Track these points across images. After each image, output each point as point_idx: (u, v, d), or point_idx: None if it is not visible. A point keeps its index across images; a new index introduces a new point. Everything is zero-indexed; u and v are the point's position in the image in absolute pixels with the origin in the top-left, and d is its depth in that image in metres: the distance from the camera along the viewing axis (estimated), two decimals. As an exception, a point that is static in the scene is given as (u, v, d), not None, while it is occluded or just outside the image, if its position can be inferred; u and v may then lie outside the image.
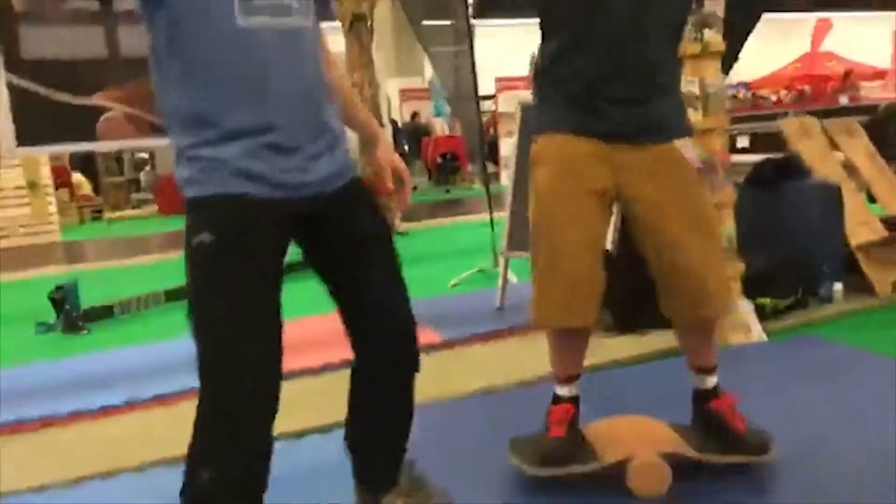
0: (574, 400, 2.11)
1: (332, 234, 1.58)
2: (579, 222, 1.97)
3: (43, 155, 8.37)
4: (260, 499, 1.47)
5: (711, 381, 2.09)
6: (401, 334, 1.65)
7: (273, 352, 1.45)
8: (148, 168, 13.80)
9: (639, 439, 2.05)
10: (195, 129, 1.43)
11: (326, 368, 3.09)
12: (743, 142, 6.14)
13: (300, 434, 2.53)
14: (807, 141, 4.09)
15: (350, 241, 1.59)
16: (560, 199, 1.98)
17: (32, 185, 8.80)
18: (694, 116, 3.04)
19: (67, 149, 6.29)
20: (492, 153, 11.91)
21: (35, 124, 3.32)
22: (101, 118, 3.45)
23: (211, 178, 1.43)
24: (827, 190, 3.70)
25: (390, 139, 4.90)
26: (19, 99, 3.27)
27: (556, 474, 2.01)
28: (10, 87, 3.25)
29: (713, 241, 2.04)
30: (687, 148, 2.01)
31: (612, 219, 3.49)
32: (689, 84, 3.11)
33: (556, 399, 2.11)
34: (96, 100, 3.42)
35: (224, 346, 1.41)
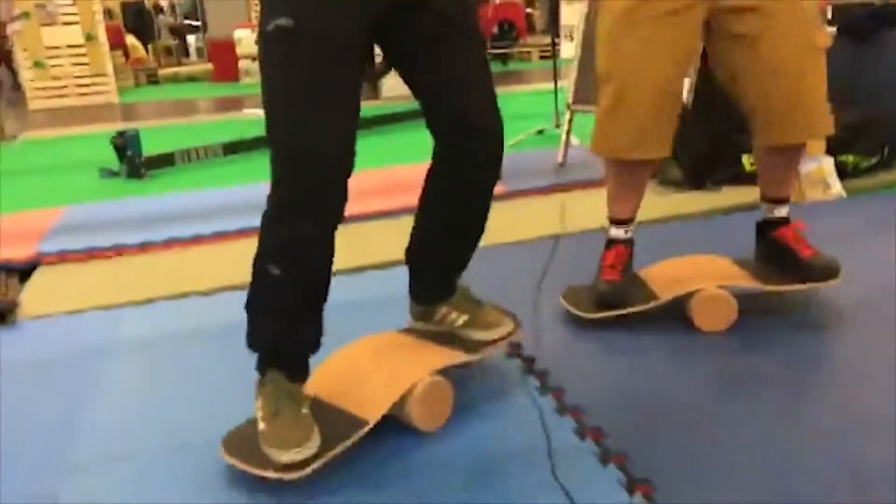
0: (628, 243, 2.06)
1: (416, 19, 1.47)
2: (657, 43, 1.83)
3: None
4: (321, 294, 1.47)
5: (781, 211, 2.03)
6: (482, 132, 1.56)
7: (347, 139, 1.39)
8: (199, 34, 13.61)
9: (698, 275, 1.99)
10: None
11: (388, 214, 3.11)
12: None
13: (361, 269, 2.54)
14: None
15: (434, 28, 1.47)
16: (636, 19, 1.84)
17: (90, 38, 8.73)
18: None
19: None
20: (553, 22, 11.37)
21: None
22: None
23: None
24: (926, 41, 3.41)
25: None
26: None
27: (611, 316, 1.98)
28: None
29: (821, 61, 1.90)
30: None
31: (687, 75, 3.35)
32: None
33: (610, 243, 2.07)
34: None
35: (299, 129, 1.35)
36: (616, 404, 1.61)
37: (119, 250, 2.93)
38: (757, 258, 2.07)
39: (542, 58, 11.52)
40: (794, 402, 1.59)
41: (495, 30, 12.73)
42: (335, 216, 1.41)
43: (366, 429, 1.43)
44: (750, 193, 2.98)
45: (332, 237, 1.43)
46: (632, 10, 1.85)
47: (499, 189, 3.38)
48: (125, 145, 4.32)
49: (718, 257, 2.10)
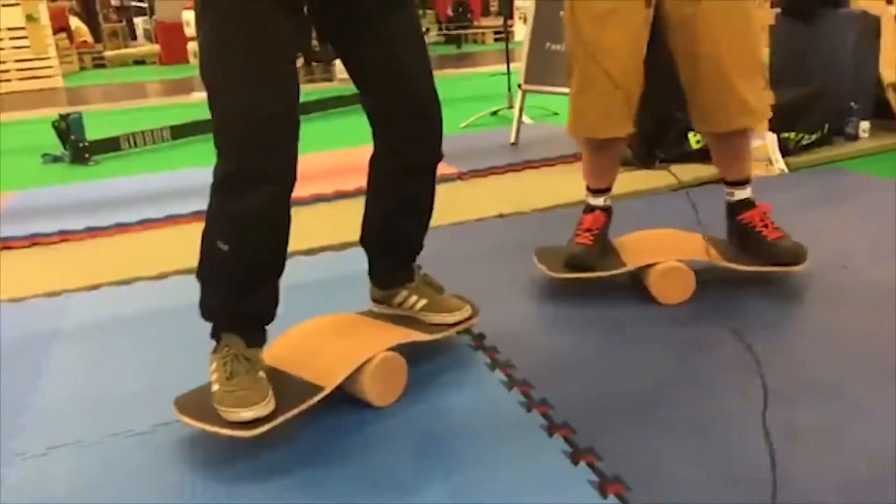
0: (606, 210, 2.11)
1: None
2: (616, 17, 1.87)
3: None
4: (274, 266, 1.46)
5: (743, 193, 2.06)
6: (420, 115, 1.57)
7: (288, 104, 1.37)
8: (146, 17, 13.27)
9: (667, 248, 2.03)
10: None
11: (340, 196, 3.12)
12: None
13: (320, 250, 2.53)
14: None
15: (374, 6, 1.47)
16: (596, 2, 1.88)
17: (30, 19, 8.44)
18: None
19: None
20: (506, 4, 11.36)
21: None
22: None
23: None
24: (865, 20, 3.50)
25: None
26: None
27: (579, 277, 2.01)
28: None
29: (755, 48, 1.95)
30: None
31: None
32: None
33: (590, 209, 2.12)
34: None
35: (238, 97, 1.33)
36: (564, 377, 1.63)
37: (64, 236, 2.86)
38: (728, 237, 2.11)
39: (496, 40, 11.51)
40: (732, 370, 1.63)
41: (450, 12, 12.68)
42: (284, 185, 1.39)
43: (322, 394, 1.44)
44: (695, 171, 3.05)
45: (284, 207, 1.42)
46: None
47: (452, 170, 3.47)
48: (68, 129, 4.22)
49: (690, 233, 2.13)
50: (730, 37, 1.86)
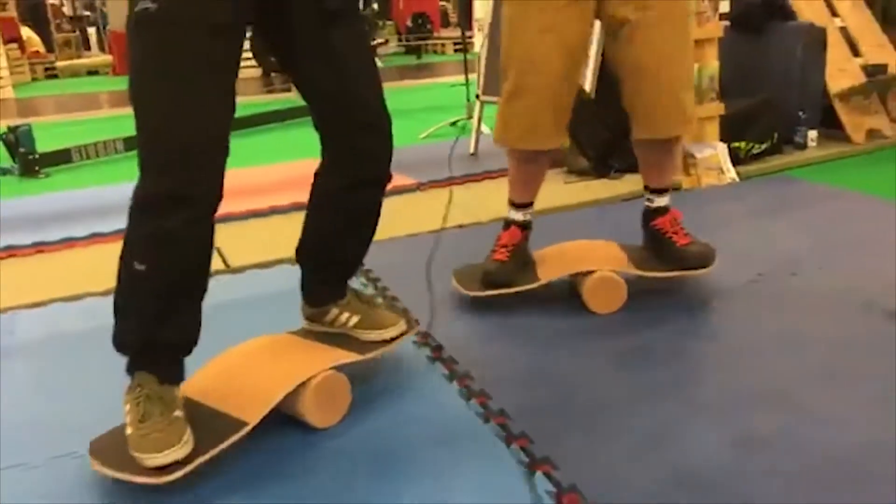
0: (524, 226, 2.12)
1: (297, 7, 1.44)
2: (551, 33, 1.88)
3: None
4: (193, 291, 1.40)
5: (662, 200, 2.10)
6: (369, 128, 1.55)
7: (218, 128, 1.34)
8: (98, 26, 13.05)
9: (585, 258, 2.06)
10: None
11: (274, 211, 3.07)
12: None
13: (270, 264, 2.50)
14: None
15: (316, 21, 1.45)
16: (530, 10, 1.90)
17: (-24, 30, 8.25)
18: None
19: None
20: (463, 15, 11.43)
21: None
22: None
23: None
24: (812, 32, 3.60)
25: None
26: None
27: (493, 295, 2.03)
28: None
29: (689, 59, 2.01)
30: None
31: (591, 62, 3.44)
32: None
33: (507, 224, 2.13)
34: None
35: (164, 116, 1.29)
36: (520, 387, 1.64)
37: (11, 252, 2.78)
38: (643, 244, 2.15)
39: (456, 51, 11.56)
40: (682, 378, 1.65)
41: (409, 23, 12.72)
42: (205, 208, 1.34)
43: (246, 430, 1.38)
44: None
45: (206, 230, 1.37)
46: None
47: (411, 180, 3.46)
48: (17, 142, 4.11)
49: (607, 242, 2.17)
50: (670, 49, 1.91)
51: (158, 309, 1.37)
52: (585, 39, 1.96)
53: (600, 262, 2.03)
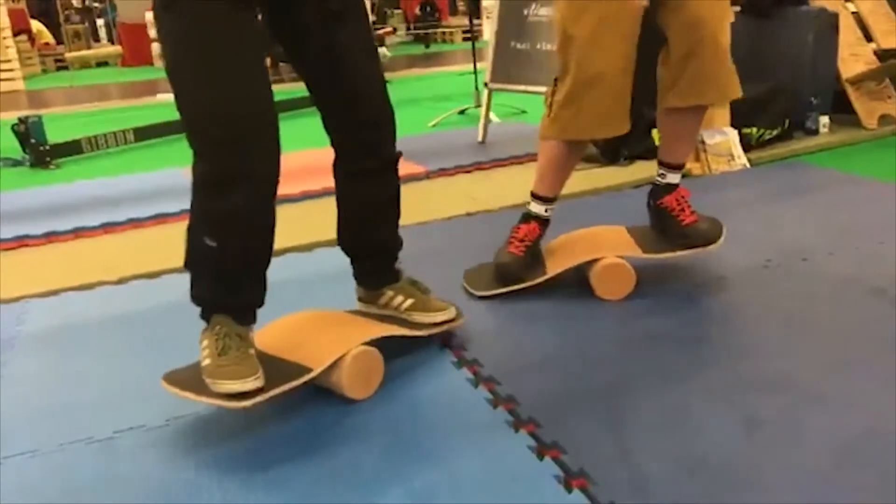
0: (544, 222, 2.11)
1: (301, 8, 1.47)
2: (606, 25, 1.87)
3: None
4: (261, 260, 1.47)
5: (674, 177, 2.08)
6: (372, 122, 1.58)
7: (262, 100, 1.37)
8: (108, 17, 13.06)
9: (589, 247, 2.05)
10: None
11: (307, 196, 3.09)
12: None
13: (280, 253, 2.50)
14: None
15: (320, 20, 1.47)
16: (587, 2, 1.87)
17: (-13, 23, 8.29)
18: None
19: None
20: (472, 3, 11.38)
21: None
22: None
23: None
24: (823, 17, 3.56)
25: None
26: None
27: (507, 291, 2.03)
28: None
29: (728, 31, 1.97)
30: None
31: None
32: None
33: (528, 217, 2.10)
34: None
35: (208, 97, 1.32)
36: (528, 374, 1.64)
37: (23, 241, 2.81)
38: (651, 223, 2.13)
39: (465, 39, 11.53)
40: (690, 363, 1.65)
41: (417, 11, 12.68)
42: (264, 183, 1.39)
43: (310, 375, 1.46)
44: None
45: (266, 204, 1.42)
46: None
47: (420, 168, 3.46)
48: (28, 133, 4.13)
49: (614, 228, 2.16)
50: (719, 17, 1.90)
51: (232, 280, 1.45)
52: (638, 20, 1.93)
53: (607, 248, 2.02)
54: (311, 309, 1.74)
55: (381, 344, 1.62)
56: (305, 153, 3.85)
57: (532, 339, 1.83)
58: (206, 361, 1.40)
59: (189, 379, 1.43)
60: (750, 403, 1.46)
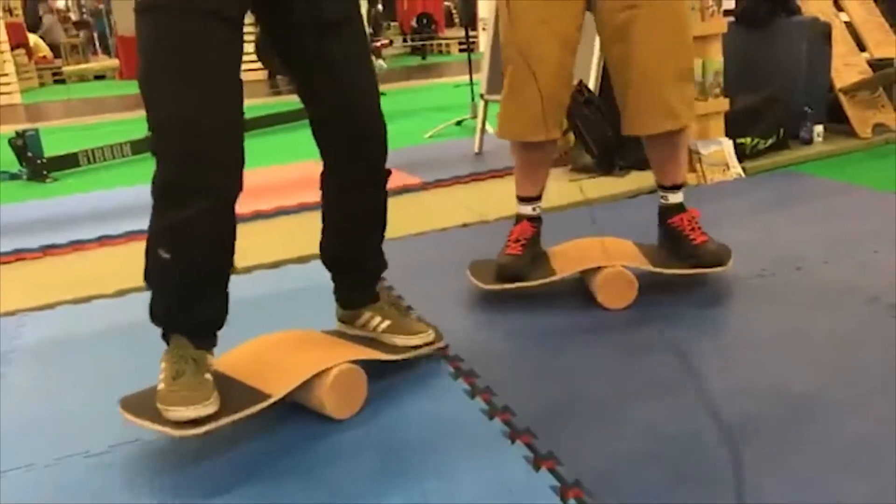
0: (534, 220, 2.14)
1: (297, 19, 1.46)
2: (546, 25, 1.92)
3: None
4: (217, 275, 1.45)
5: (676, 197, 2.11)
6: (363, 136, 1.57)
7: (229, 114, 1.36)
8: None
9: (600, 255, 2.05)
10: None
11: (281, 212, 3.07)
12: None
13: (277, 264, 2.51)
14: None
15: (315, 31, 1.47)
16: (526, 4, 1.94)
17: (-16, 37, 8.32)
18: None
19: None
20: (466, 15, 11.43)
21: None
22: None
23: None
24: (817, 27, 3.59)
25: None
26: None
27: (510, 288, 2.03)
28: None
29: (687, 53, 2.00)
30: None
31: (594, 59, 3.44)
32: None
33: (518, 219, 2.15)
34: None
35: (174, 105, 1.31)
36: (524, 385, 1.64)
37: (20, 255, 2.81)
38: (659, 242, 2.15)
39: (461, 50, 11.58)
40: (686, 373, 1.65)
41: (414, 23, 12.74)
42: (223, 196, 1.37)
43: (269, 401, 1.42)
44: (653, 177, 3.09)
45: (222, 218, 1.40)
46: None
47: (416, 180, 3.47)
48: (25, 146, 4.14)
49: (623, 240, 2.17)
50: (662, 43, 1.91)
51: (186, 294, 1.43)
52: (578, 31, 1.99)
53: (618, 257, 2.02)
54: (289, 329, 1.70)
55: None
56: (291, 167, 3.88)
57: (529, 349, 1.83)
58: (161, 386, 1.38)
59: (144, 404, 1.40)
60: (745, 412, 1.46)
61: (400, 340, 1.71)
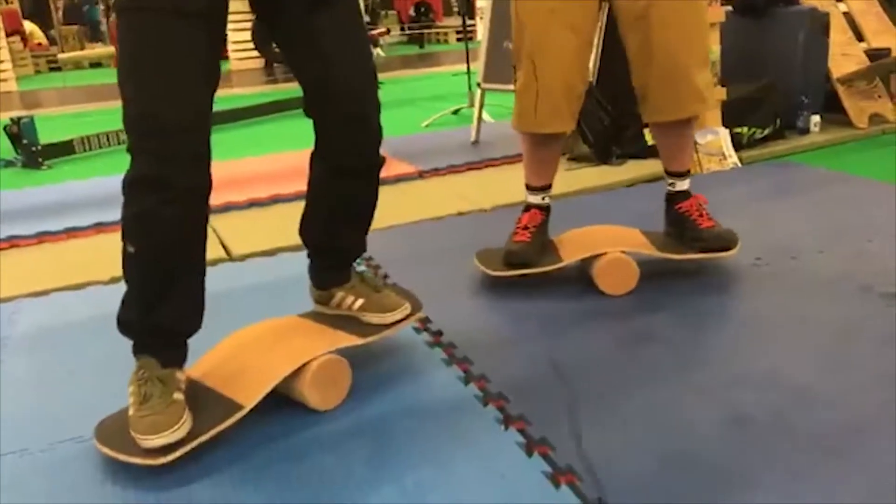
0: (544, 209, 2.14)
1: None
2: (560, 16, 1.90)
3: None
4: (182, 274, 1.42)
5: (683, 184, 2.11)
6: (357, 118, 1.54)
7: (195, 111, 1.35)
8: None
9: (605, 242, 2.06)
10: None
11: (276, 200, 3.07)
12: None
13: (272, 252, 2.51)
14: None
15: (303, 6, 1.45)
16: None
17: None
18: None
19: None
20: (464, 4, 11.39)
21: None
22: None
23: None
24: (814, 16, 3.58)
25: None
26: None
27: (517, 274, 2.03)
28: None
29: (704, 41, 2.01)
30: None
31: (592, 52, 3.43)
32: None
33: (527, 207, 2.15)
34: None
35: (142, 99, 1.31)
36: (518, 371, 1.64)
37: (14, 242, 2.80)
38: (665, 229, 2.15)
39: (459, 39, 11.54)
40: (680, 360, 1.65)
41: (411, 12, 12.69)
42: (183, 187, 1.34)
43: (241, 413, 1.39)
44: (651, 166, 3.09)
45: (189, 210, 1.37)
46: None
47: (413, 168, 3.47)
48: (20, 133, 4.13)
49: (629, 228, 2.17)
50: (682, 29, 1.90)
51: (151, 290, 1.40)
52: (593, 21, 1.98)
53: (624, 243, 2.03)
54: (261, 321, 1.67)
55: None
56: (287, 155, 3.88)
57: (524, 336, 1.83)
58: (130, 411, 1.36)
59: (116, 433, 1.38)
60: (739, 401, 1.46)
61: (376, 318, 1.69)
